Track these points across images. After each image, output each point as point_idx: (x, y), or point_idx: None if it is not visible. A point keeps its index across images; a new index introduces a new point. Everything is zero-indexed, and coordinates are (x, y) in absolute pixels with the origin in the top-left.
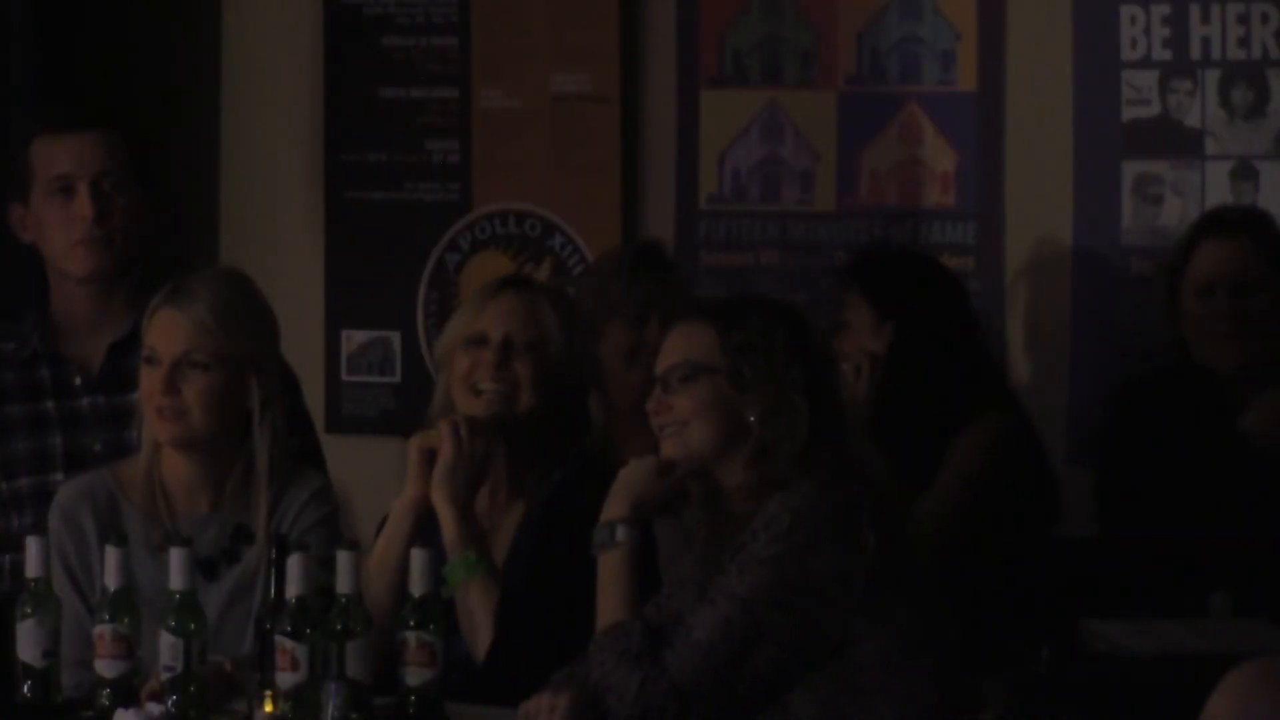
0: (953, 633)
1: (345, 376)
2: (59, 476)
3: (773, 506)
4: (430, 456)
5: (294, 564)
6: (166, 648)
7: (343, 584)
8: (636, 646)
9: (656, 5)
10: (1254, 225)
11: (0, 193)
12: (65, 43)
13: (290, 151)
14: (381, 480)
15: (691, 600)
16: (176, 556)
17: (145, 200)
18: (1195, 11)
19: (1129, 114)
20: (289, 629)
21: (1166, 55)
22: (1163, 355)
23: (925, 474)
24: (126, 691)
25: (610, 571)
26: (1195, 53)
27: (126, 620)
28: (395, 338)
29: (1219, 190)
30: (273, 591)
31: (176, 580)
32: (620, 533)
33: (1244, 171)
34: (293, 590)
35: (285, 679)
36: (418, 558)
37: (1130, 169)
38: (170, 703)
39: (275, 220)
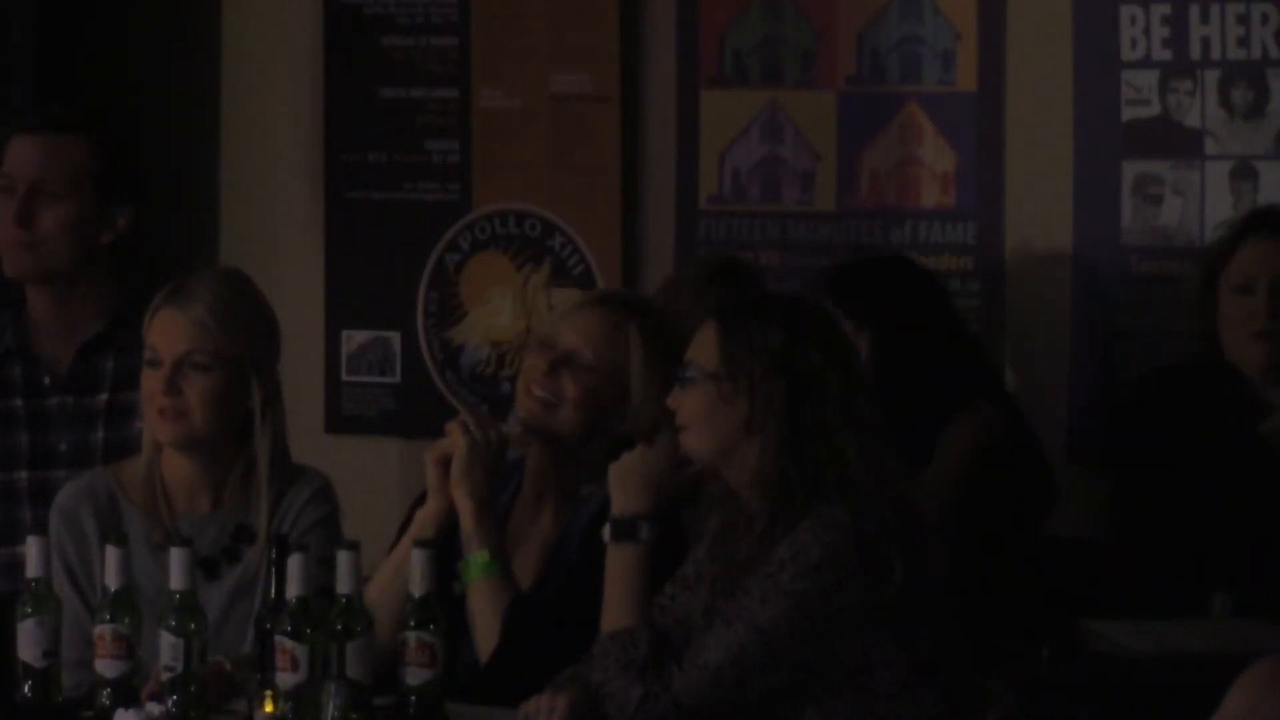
0: (964, 648)
1: (345, 376)
2: (23, 474)
3: (804, 535)
4: (446, 465)
5: (294, 564)
6: (166, 648)
7: (343, 584)
8: (642, 657)
9: (656, 5)
10: None
11: None
12: (65, 43)
13: (290, 151)
14: (381, 480)
15: (698, 602)
16: (176, 556)
17: (96, 207)
18: (1195, 11)
19: (1129, 114)
20: (289, 629)
21: (1166, 55)
22: (1169, 353)
23: (916, 469)
24: (126, 691)
25: (623, 566)
26: (1195, 53)
27: (126, 620)
28: (395, 338)
29: (1219, 190)
30: (273, 592)
31: (176, 580)
32: (644, 531)
33: (1244, 171)
34: (293, 590)
35: (285, 679)
36: (418, 557)
37: (1130, 169)
38: (170, 703)
39: (275, 220)
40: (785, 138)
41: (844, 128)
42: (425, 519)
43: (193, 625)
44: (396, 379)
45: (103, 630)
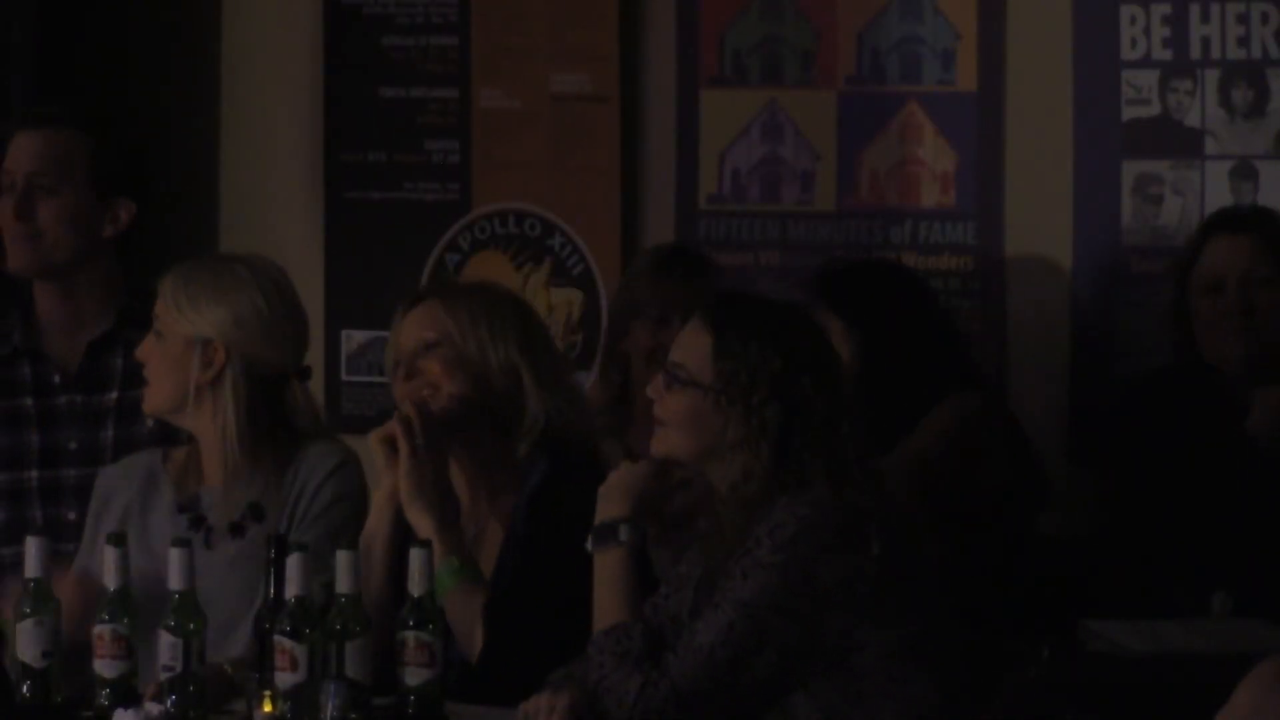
0: (955, 634)
1: (345, 376)
2: (33, 474)
3: (779, 513)
4: (392, 444)
5: (294, 564)
6: (166, 648)
7: (342, 584)
8: (637, 648)
9: (656, 5)
10: (1262, 222)
11: None
12: (65, 42)
13: (290, 151)
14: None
15: (690, 599)
16: (176, 556)
17: (94, 200)
18: (1195, 11)
19: (1129, 114)
20: (288, 629)
21: (1166, 55)
22: (1168, 354)
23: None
24: (126, 691)
25: (609, 571)
26: (1195, 52)
27: (126, 620)
28: None
29: (1219, 190)
30: (272, 591)
31: (175, 580)
32: (624, 532)
33: (1244, 171)
34: (292, 590)
35: (285, 679)
36: (417, 557)
37: (1130, 169)
38: (170, 703)
39: (275, 220)
40: (785, 138)
41: (844, 128)
42: (380, 500)
43: (192, 625)
44: None
45: (102, 630)
